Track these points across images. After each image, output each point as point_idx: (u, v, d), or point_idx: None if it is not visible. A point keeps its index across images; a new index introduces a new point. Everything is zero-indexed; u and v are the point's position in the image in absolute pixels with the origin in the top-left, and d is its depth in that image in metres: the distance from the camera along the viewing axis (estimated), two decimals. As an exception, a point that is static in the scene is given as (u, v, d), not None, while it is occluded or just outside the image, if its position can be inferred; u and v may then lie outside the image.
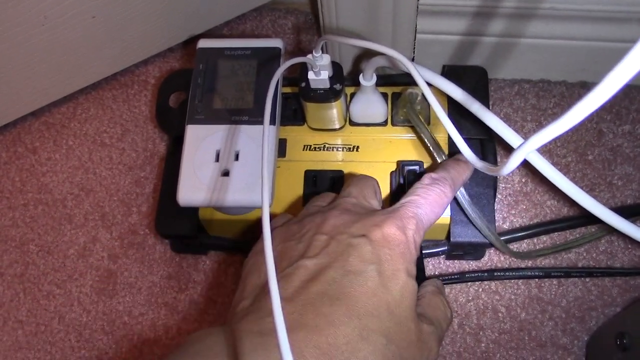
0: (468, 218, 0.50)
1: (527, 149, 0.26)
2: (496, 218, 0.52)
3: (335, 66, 0.49)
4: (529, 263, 0.54)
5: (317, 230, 0.38)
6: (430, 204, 0.40)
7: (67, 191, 0.61)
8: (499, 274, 0.52)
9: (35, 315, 0.56)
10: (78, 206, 0.60)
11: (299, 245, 0.38)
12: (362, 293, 0.34)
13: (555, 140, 0.57)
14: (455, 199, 0.49)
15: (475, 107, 0.41)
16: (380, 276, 0.35)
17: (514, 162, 0.27)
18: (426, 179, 0.42)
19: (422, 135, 0.51)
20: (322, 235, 0.37)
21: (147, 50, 0.64)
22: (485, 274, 0.52)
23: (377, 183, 0.45)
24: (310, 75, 0.48)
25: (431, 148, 0.50)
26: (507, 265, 0.55)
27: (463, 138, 0.39)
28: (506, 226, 0.56)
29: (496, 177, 0.52)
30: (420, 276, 0.51)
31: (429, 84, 0.43)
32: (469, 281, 0.53)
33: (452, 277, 0.53)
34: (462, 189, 0.48)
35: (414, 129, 0.53)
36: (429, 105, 0.52)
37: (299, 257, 0.36)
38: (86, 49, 0.59)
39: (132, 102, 0.64)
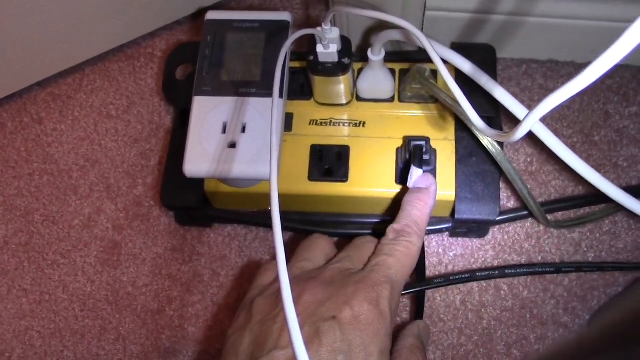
0: (473, 194, 0.50)
1: (538, 114, 0.26)
2: (501, 196, 0.53)
3: (344, 40, 0.49)
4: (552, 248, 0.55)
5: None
6: (400, 261, 0.39)
7: (73, 162, 0.61)
8: (510, 271, 0.52)
9: (40, 284, 0.57)
10: (83, 177, 0.60)
11: (274, 328, 0.36)
12: None
13: (562, 120, 0.57)
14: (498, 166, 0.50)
15: (484, 80, 0.41)
16: None
17: (524, 127, 0.27)
18: (390, 233, 0.41)
19: (440, 98, 0.50)
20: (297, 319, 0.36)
21: (154, 22, 0.64)
22: (497, 272, 0.52)
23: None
24: (319, 48, 0.48)
25: (452, 109, 0.49)
26: (509, 245, 0.55)
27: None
28: (510, 204, 0.56)
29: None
30: (420, 277, 0.52)
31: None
32: (481, 280, 0.53)
33: (462, 276, 0.53)
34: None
35: (421, 105, 0.53)
36: (435, 81, 0.52)
37: (273, 347, 0.35)
38: (92, 20, 0.59)
39: (138, 75, 0.64)
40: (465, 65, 0.45)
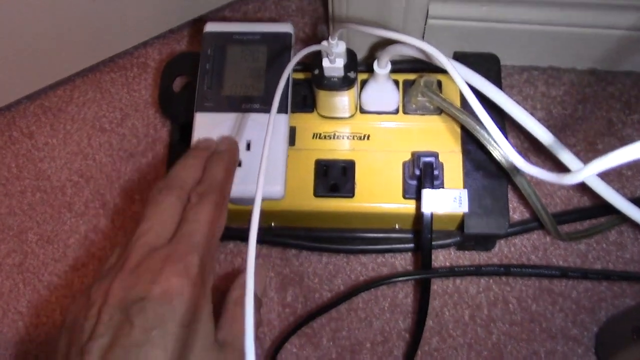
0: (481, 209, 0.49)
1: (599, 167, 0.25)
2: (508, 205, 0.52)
3: (350, 53, 0.48)
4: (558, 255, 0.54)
5: (103, 303, 0.35)
6: (207, 223, 0.38)
7: (66, 178, 0.59)
8: (515, 269, 0.52)
9: (36, 307, 0.55)
10: (78, 194, 0.58)
11: (87, 324, 0.35)
12: None
13: (565, 128, 0.57)
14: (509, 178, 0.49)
15: (505, 104, 0.39)
16: (164, 338, 0.33)
17: (579, 176, 0.26)
18: (193, 197, 0.39)
19: (450, 113, 0.49)
20: (107, 308, 0.34)
21: (147, 32, 0.62)
22: (502, 269, 0.52)
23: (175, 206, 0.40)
24: (325, 62, 0.46)
25: (463, 123, 0.49)
26: (516, 257, 0.54)
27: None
28: (516, 216, 0.56)
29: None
30: (426, 265, 0.51)
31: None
32: (485, 274, 0.53)
33: (468, 269, 0.52)
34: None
35: (425, 117, 0.52)
36: (441, 92, 0.51)
37: (87, 340, 0.34)
38: (84, 32, 0.57)
39: (131, 86, 0.62)
40: (490, 90, 0.44)
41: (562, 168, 0.44)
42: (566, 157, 0.46)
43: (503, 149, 0.34)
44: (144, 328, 0.33)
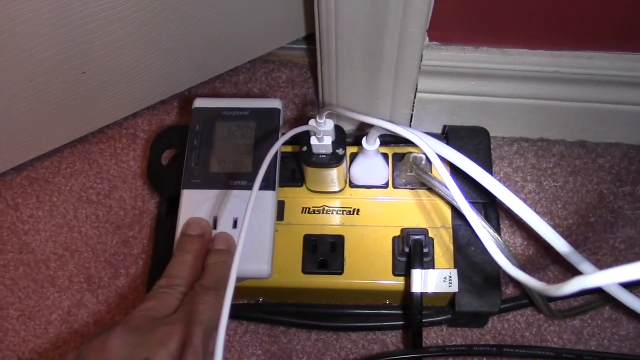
0: (473, 287, 0.48)
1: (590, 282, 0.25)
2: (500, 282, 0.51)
3: (338, 130, 0.47)
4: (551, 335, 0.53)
5: (102, 358, 0.34)
6: (211, 309, 0.39)
7: (51, 251, 0.58)
8: (508, 349, 0.50)
9: (15, 387, 0.53)
10: (62, 267, 0.57)
11: None
12: None
13: (556, 201, 0.57)
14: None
15: (502, 194, 0.39)
16: None
17: (571, 287, 0.25)
18: (198, 288, 0.41)
19: (439, 193, 0.49)
20: None
21: (137, 104, 0.62)
22: (494, 349, 0.51)
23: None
24: (313, 140, 0.46)
25: (452, 203, 0.49)
26: (510, 334, 0.53)
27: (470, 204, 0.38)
28: (509, 291, 0.55)
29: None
30: (416, 344, 0.50)
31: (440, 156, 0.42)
32: (477, 354, 0.51)
33: (460, 348, 0.51)
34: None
35: (415, 191, 0.52)
36: (431, 169, 0.51)
37: None
38: (74, 104, 0.57)
39: (120, 157, 0.62)
40: (485, 178, 0.43)
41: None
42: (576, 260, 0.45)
43: (485, 245, 0.33)
44: None
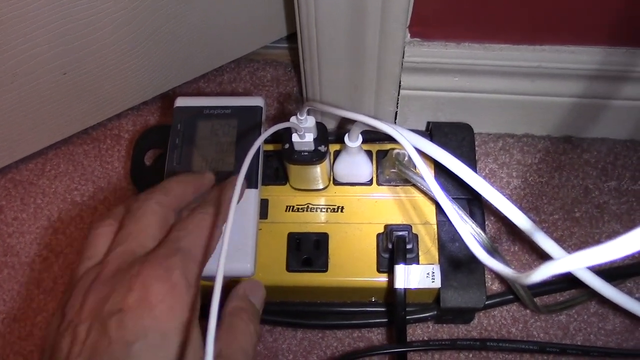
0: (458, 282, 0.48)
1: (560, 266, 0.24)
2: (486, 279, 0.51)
3: (320, 127, 0.47)
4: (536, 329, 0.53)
5: (78, 319, 0.32)
6: (193, 232, 0.36)
7: (35, 253, 0.57)
8: (491, 344, 0.50)
9: (-1, 390, 0.53)
10: (47, 269, 0.57)
11: (63, 343, 0.32)
12: None
13: (542, 196, 0.57)
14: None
15: (485, 190, 0.39)
16: (147, 352, 0.31)
17: (540, 274, 0.25)
18: (184, 212, 0.38)
19: (423, 189, 0.49)
20: (82, 325, 0.32)
21: (121, 104, 0.62)
22: (478, 343, 0.50)
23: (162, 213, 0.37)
24: (295, 137, 0.46)
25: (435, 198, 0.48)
26: (496, 330, 0.53)
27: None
28: (495, 287, 0.54)
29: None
30: (401, 339, 0.50)
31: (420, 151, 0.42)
32: (461, 349, 0.51)
33: (443, 343, 0.51)
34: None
35: (399, 188, 0.52)
36: (414, 166, 0.51)
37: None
38: (57, 105, 0.56)
39: (104, 158, 0.61)
40: (467, 174, 0.43)
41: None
42: (546, 244, 0.45)
43: (463, 237, 0.33)
44: (123, 342, 0.31)
